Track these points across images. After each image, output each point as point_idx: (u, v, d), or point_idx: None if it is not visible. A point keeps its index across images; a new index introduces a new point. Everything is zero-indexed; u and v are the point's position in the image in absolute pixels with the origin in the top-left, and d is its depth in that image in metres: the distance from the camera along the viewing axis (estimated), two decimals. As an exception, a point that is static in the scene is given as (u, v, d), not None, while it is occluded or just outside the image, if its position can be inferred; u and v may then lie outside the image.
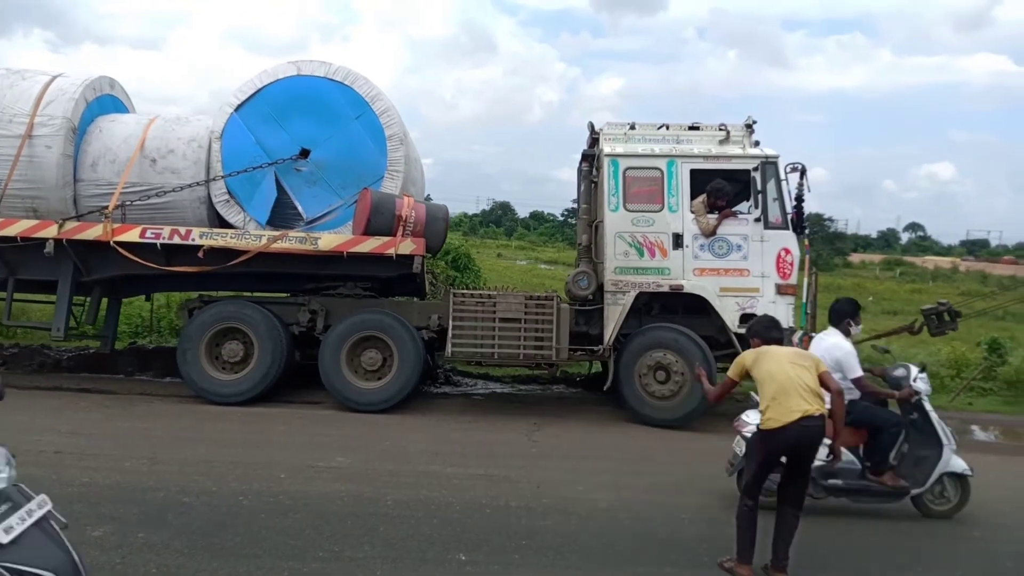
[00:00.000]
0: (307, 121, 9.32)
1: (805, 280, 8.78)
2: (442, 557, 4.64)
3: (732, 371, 4.89)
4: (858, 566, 5.02)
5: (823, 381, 4.63)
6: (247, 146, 9.24)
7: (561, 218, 65.92)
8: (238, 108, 9.35)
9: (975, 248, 71.97)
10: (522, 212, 71.61)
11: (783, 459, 4.61)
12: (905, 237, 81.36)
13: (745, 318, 8.33)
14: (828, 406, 4.62)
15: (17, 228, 8.67)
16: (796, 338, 8.47)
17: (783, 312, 8.54)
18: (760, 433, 4.65)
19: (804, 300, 8.78)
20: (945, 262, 53.24)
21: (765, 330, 4.96)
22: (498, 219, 67.46)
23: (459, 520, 5.26)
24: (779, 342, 4.89)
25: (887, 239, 76.11)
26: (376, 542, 4.81)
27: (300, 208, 9.32)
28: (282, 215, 9.41)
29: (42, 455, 6.20)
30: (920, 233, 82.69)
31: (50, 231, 8.66)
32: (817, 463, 4.80)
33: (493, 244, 42.82)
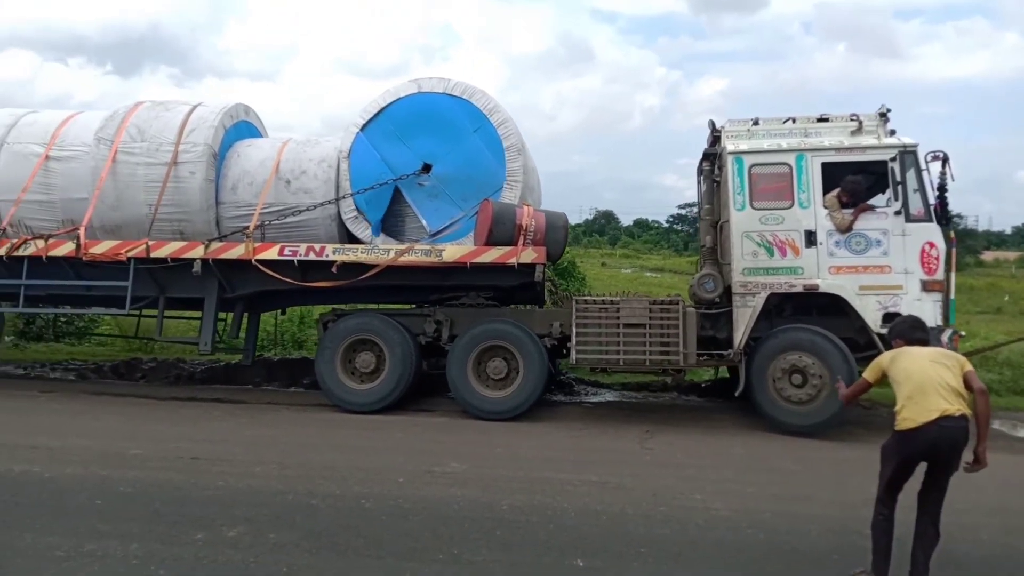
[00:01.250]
0: (428, 136, 9.57)
1: (952, 275, 8.23)
2: (559, 562, 4.59)
3: (868, 372, 4.59)
4: None
5: (967, 381, 4.25)
6: (373, 163, 9.56)
7: (666, 225, 64.97)
8: (364, 128, 9.70)
9: (1123, 240, 65.71)
10: (625, 220, 70.80)
11: (922, 463, 4.27)
12: None
13: (888, 317, 7.89)
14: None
15: (167, 250, 9.28)
16: (946, 337, 7.99)
17: (930, 310, 8.05)
18: (895, 435, 4.32)
19: (952, 297, 8.22)
20: None
21: (909, 330, 4.61)
22: (601, 228, 67.03)
23: (575, 526, 5.21)
24: (924, 343, 4.54)
25: (1023, 235, 70.73)
26: (493, 546, 4.82)
27: (424, 221, 9.55)
28: (406, 228, 9.70)
29: (179, 460, 6.62)
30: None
31: (197, 251, 9.23)
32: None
33: (597, 253, 42.51)
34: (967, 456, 4.25)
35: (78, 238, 9.19)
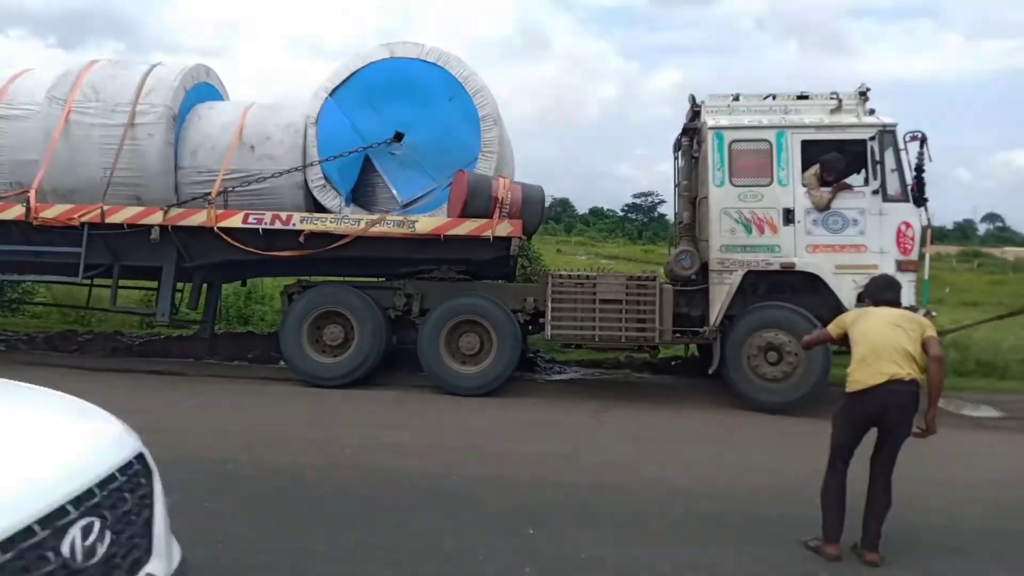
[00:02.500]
0: (401, 104, 9.25)
1: (927, 255, 8.30)
2: (509, 530, 4.49)
3: (832, 326, 4.60)
4: (953, 545, 4.60)
5: (926, 346, 4.22)
6: (342, 130, 9.22)
7: (621, 213, 65.40)
8: (332, 92, 9.34)
9: (1060, 238, 68.28)
10: (581, 208, 71.19)
11: (873, 430, 4.27)
12: (983, 228, 77.89)
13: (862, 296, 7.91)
14: None
15: (123, 215, 8.80)
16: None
17: (904, 290, 8.09)
18: (845, 397, 4.32)
19: (926, 277, 8.29)
20: None
21: (879, 290, 4.60)
22: (557, 216, 67.14)
23: (526, 496, 5.15)
24: (893, 304, 4.51)
25: (963, 230, 72.94)
26: (442, 514, 4.73)
27: (395, 191, 9.26)
28: (376, 199, 9.39)
29: None
30: (999, 224, 79.05)
31: (155, 218, 8.78)
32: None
33: (552, 240, 42.51)
34: (919, 422, 4.26)
35: (28, 201, 8.65)
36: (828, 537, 4.26)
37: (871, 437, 4.32)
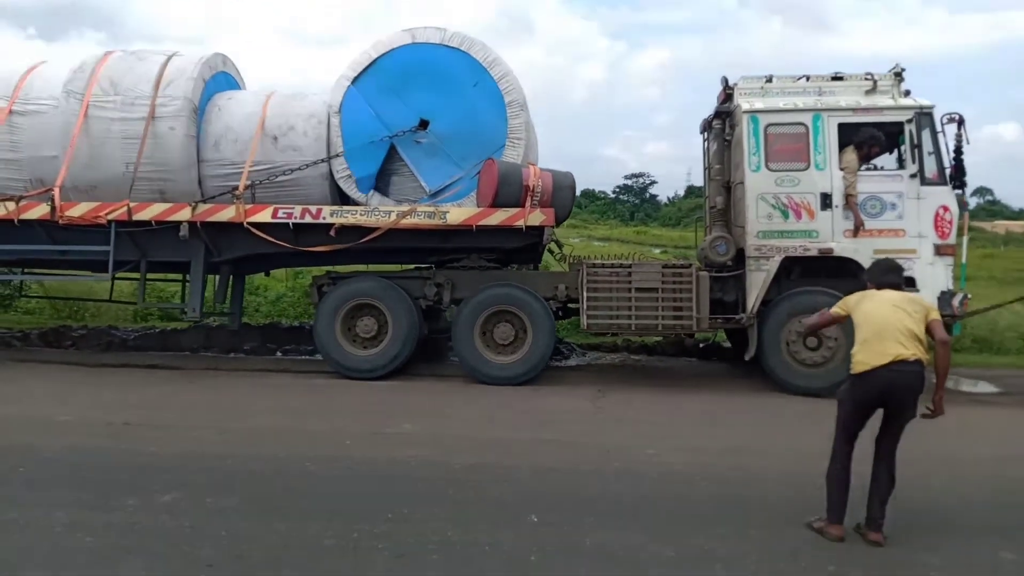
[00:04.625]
0: (424, 90, 9.07)
1: (964, 239, 8.26)
2: (513, 519, 4.48)
3: (837, 307, 4.58)
4: (956, 522, 4.63)
5: (930, 329, 4.23)
6: (366, 119, 9.04)
7: (612, 195, 64.79)
8: (355, 81, 9.14)
9: (1052, 210, 68.11)
10: (572, 191, 70.23)
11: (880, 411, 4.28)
12: (973, 202, 77.29)
13: (901, 281, 7.89)
14: None
15: (151, 212, 8.67)
16: (957, 300, 8.04)
17: (942, 274, 8.10)
18: (849, 378, 4.33)
19: (964, 261, 8.27)
20: (1017, 226, 50.39)
21: (880, 274, 4.58)
22: (548, 199, 66.50)
23: (528, 484, 5.15)
24: (895, 287, 4.48)
25: (954, 205, 72.51)
26: (446, 505, 4.71)
27: (422, 181, 9.12)
28: (403, 188, 9.26)
29: (110, 427, 6.30)
30: (989, 197, 78.61)
31: (184, 214, 8.64)
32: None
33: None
34: (926, 403, 4.27)
35: (52, 199, 8.49)
36: (832, 518, 4.27)
37: (876, 418, 4.34)
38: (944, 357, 4.23)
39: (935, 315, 4.31)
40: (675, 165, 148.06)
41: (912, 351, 4.13)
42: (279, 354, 10.76)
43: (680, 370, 10.22)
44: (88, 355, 10.15)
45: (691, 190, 60.33)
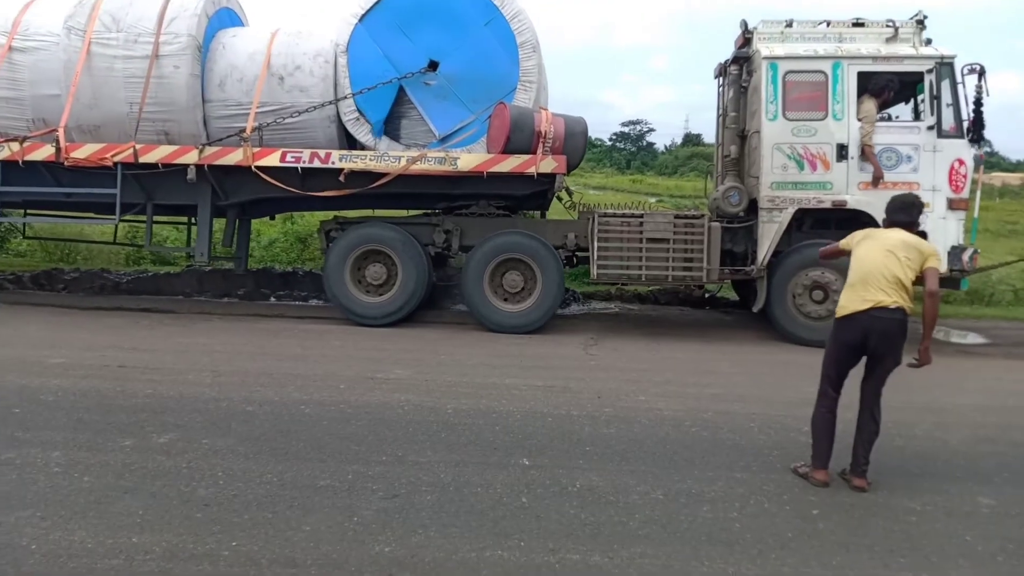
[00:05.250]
0: (434, 30, 8.82)
1: (978, 194, 8.21)
2: (505, 461, 4.57)
3: (843, 242, 4.59)
4: (939, 470, 4.74)
5: (924, 276, 4.19)
6: (374, 59, 8.81)
7: (608, 143, 63.14)
8: (362, 19, 8.88)
9: (1049, 163, 67.29)
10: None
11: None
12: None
13: (912, 235, 7.87)
14: None
15: (158, 154, 8.52)
16: (967, 255, 8.05)
17: (954, 228, 8.09)
18: (834, 322, 4.38)
19: (976, 216, 8.23)
20: (1015, 178, 49.81)
21: (893, 211, 4.49)
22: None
23: (520, 428, 5.19)
24: (905, 226, 4.39)
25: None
26: (438, 447, 4.77)
27: (431, 125, 8.96)
28: (412, 132, 9.11)
29: (105, 369, 6.33)
30: (987, 149, 77.37)
31: (191, 157, 8.50)
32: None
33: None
34: (912, 354, 4.30)
35: (57, 140, 8.33)
36: (817, 463, 4.35)
37: (863, 365, 4.40)
38: (931, 308, 4.22)
39: (932, 263, 4.23)
40: (674, 112, 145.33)
41: (894, 299, 4.13)
42: (272, 299, 10.73)
43: (673, 319, 10.28)
44: (81, 298, 10.12)
45: (688, 138, 59.35)
